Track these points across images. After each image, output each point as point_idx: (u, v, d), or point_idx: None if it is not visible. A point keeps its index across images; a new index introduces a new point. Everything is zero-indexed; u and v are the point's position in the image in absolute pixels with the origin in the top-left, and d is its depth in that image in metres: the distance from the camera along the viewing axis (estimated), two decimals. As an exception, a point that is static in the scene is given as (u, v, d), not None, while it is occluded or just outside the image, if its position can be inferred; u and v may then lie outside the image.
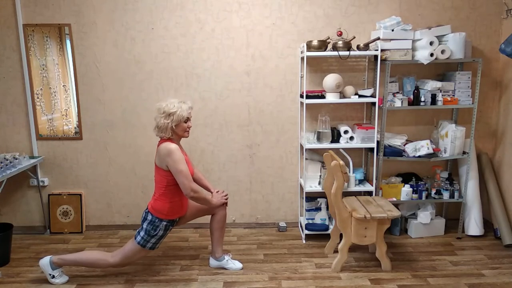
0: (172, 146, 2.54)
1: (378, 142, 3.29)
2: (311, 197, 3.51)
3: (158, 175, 2.65)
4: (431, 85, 3.24)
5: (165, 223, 2.67)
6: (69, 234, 3.63)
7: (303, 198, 3.46)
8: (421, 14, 3.40)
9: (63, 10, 3.35)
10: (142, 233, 2.68)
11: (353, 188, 3.34)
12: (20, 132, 3.53)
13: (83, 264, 2.77)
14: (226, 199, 2.89)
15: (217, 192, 2.89)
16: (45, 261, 2.74)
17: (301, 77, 3.44)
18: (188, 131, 2.69)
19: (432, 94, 3.24)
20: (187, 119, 2.64)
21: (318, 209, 3.49)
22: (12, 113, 3.50)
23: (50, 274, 2.73)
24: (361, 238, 2.81)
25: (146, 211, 2.71)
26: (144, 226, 2.68)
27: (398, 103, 3.22)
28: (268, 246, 3.33)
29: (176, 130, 2.61)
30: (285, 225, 3.67)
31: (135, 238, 2.70)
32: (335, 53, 3.15)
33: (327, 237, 3.24)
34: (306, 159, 3.42)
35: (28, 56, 3.39)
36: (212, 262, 2.96)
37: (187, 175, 2.55)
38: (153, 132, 2.66)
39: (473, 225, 3.40)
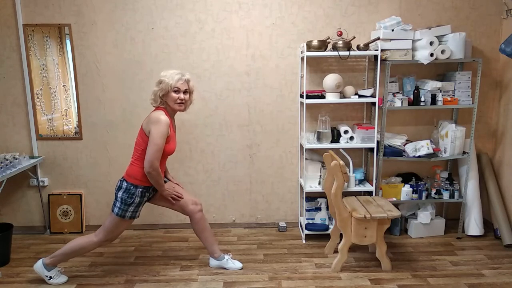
0: (163, 117, 2.51)
1: (378, 142, 3.29)
2: (311, 197, 3.51)
3: (140, 138, 2.60)
4: (431, 85, 3.24)
5: (140, 189, 2.61)
6: (69, 234, 3.63)
7: (303, 198, 3.46)
8: (421, 14, 3.41)
9: (63, 10, 3.35)
10: (118, 204, 2.61)
11: (353, 188, 3.34)
12: (20, 132, 3.53)
13: (73, 254, 2.72)
14: (174, 197, 2.75)
15: (175, 185, 2.82)
16: (38, 265, 2.72)
17: (301, 77, 3.44)
18: (180, 103, 2.60)
19: (432, 94, 3.24)
20: (177, 90, 2.58)
21: (318, 209, 3.49)
22: (12, 113, 3.50)
23: (46, 276, 2.72)
24: (361, 238, 2.81)
25: (121, 179, 2.65)
26: (119, 195, 2.60)
27: (398, 103, 3.22)
28: (268, 246, 3.33)
29: (166, 100, 2.59)
30: (285, 225, 3.67)
31: (113, 211, 2.63)
32: (335, 53, 3.15)
33: (327, 237, 3.24)
34: (306, 159, 3.42)
35: (28, 56, 3.39)
36: (212, 262, 2.96)
37: (158, 152, 2.50)
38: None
39: (473, 225, 3.40)
